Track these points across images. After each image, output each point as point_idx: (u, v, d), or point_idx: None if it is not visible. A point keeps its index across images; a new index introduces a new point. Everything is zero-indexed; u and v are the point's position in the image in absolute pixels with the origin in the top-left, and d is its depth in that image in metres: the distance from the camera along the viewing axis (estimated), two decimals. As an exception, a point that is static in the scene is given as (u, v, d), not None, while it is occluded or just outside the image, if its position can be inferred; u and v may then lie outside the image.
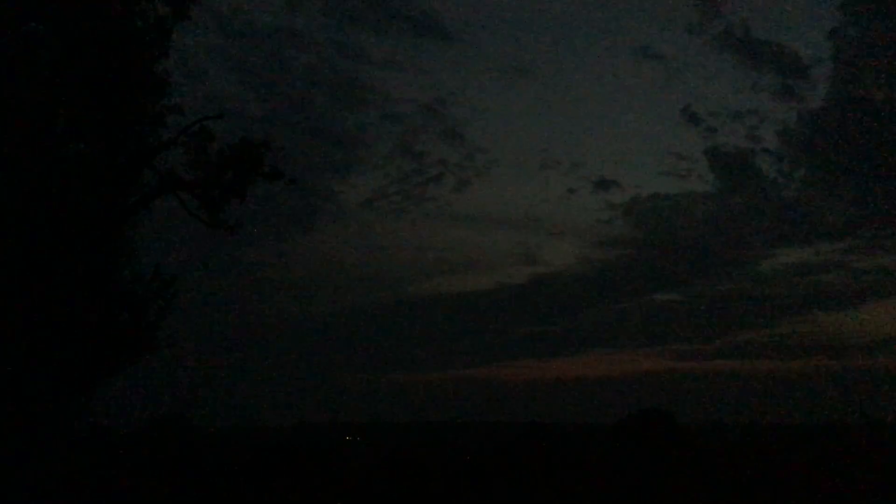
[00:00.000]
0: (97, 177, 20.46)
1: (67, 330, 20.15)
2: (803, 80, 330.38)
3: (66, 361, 20.37)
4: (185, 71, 26.09)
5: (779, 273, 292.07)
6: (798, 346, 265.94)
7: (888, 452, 46.08)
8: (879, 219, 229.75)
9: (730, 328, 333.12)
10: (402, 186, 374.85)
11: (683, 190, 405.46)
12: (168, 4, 20.78)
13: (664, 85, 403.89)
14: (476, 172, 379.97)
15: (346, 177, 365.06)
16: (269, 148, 22.66)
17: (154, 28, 20.70)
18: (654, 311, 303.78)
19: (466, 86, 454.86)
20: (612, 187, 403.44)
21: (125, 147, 21.19)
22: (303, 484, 26.56)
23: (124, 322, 22.31)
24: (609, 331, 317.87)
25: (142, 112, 21.16)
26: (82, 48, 19.77)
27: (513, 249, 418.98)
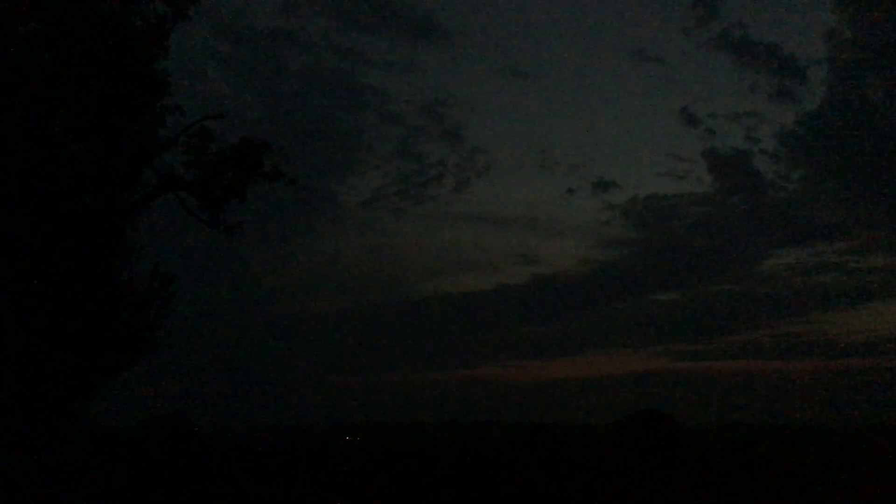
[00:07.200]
0: (97, 177, 20.45)
1: (68, 330, 20.14)
2: (801, 81, 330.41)
3: (66, 361, 20.36)
4: (185, 71, 26.12)
5: (778, 273, 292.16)
6: (798, 346, 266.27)
7: (888, 452, 46.07)
8: (878, 219, 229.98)
9: (729, 328, 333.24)
10: (401, 187, 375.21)
11: (682, 191, 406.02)
12: (167, 4, 20.77)
13: (662, 86, 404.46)
14: (475, 173, 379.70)
15: (346, 177, 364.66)
16: (268, 148, 22.67)
17: (153, 28, 20.70)
18: (654, 311, 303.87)
19: (465, 87, 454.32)
20: (611, 188, 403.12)
21: (125, 147, 21.18)
22: (303, 484, 26.56)
23: (124, 322, 22.31)
24: (609, 331, 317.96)
25: (142, 112, 21.15)
26: (82, 48, 19.76)
27: (513, 249, 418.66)
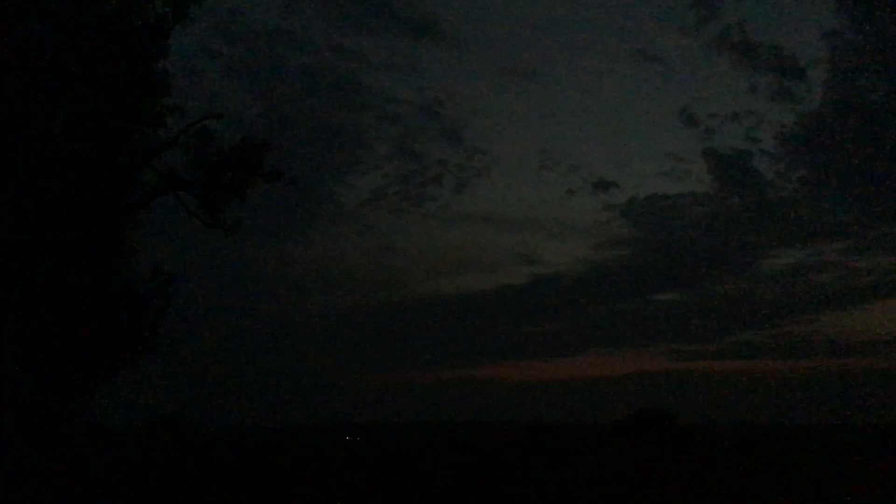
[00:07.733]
0: (97, 177, 20.46)
1: (68, 330, 20.15)
2: (801, 81, 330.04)
3: (66, 361, 20.38)
4: (185, 71, 26.16)
5: (778, 273, 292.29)
6: (798, 346, 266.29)
7: (888, 452, 46.13)
8: (878, 219, 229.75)
9: (729, 328, 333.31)
10: (401, 187, 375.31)
11: (682, 191, 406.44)
12: (167, 4, 20.78)
13: (662, 87, 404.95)
14: (475, 173, 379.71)
15: (345, 177, 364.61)
16: (268, 148, 22.71)
17: (153, 28, 20.70)
18: (654, 311, 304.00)
19: (465, 87, 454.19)
20: (610, 188, 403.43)
21: (125, 147, 21.20)
22: (303, 484, 26.59)
23: (124, 322, 22.33)
24: (609, 331, 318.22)
25: (142, 112, 21.17)
26: (82, 48, 19.77)
27: (513, 249, 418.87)
